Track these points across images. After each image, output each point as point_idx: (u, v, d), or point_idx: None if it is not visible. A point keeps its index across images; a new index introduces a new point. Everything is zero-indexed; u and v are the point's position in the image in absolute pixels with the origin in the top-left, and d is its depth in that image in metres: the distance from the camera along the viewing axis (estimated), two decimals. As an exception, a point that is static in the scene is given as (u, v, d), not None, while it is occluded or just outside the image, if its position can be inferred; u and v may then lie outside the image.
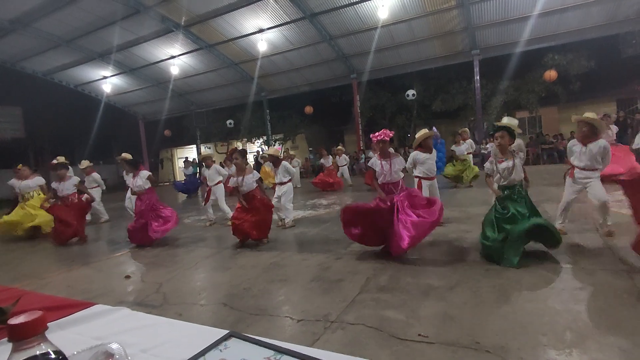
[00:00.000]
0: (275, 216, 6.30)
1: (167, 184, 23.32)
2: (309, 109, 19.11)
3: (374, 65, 15.53)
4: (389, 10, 11.91)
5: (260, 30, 13.70)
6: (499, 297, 2.93)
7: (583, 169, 4.33)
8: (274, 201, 6.32)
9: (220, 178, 7.35)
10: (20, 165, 7.72)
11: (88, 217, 7.94)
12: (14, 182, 7.57)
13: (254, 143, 25.20)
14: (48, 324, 0.66)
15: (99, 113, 20.42)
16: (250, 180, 5.35)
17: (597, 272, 3.28)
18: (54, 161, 7.21)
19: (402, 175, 4.50)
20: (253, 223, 5.18)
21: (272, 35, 14.05)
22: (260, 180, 5.58)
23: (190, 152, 26.16)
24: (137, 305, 3.41)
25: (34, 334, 0.52)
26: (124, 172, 8.04)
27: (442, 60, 15.08)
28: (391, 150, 4.67)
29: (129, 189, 6.66)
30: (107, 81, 18.35)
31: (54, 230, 6.63)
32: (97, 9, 12.45)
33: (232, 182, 5.53)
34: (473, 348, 2.23)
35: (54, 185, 6.85)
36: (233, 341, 0.80)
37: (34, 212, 7.26)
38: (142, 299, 3.60)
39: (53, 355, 0.53)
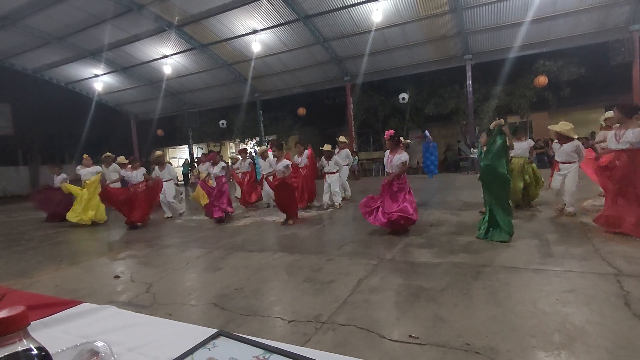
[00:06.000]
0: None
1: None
2: (302, 111, 19.08)
3: (367, 68, 15.57)
4: (383, 14, 11.96)
5: (254, 31, 13.67)
6: (489, 298, 2.95)
7: (563, 162, 5.78)
8: (324, 185, 8.32)
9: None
10: (86, 155, 9.19)
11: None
12: (79, 168, 9.07)
13: (246, 144, 25.08)
14: (33, 322, 0.64)
15: (90, 111, 20.14)
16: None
17: (584, 275, 3.32)
18: (131, 157, 9.03)
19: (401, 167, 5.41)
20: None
21: (265, 36, 14.03)
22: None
23: (183, 152, 25.96)
24: (126, 305, 3.37)
25: (15, 329, 0.50)
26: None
27: (435, 65, 15.18)
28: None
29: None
30: (99, 79, 18.14)
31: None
32: (89, 6, 12.31)
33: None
34: (463, 349, 2.24)
35: (123, 173, 8.43)
36: (222, 340, 0.79)
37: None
38: (131, 298, 3.56)
39: (35, 352, 0.51)
